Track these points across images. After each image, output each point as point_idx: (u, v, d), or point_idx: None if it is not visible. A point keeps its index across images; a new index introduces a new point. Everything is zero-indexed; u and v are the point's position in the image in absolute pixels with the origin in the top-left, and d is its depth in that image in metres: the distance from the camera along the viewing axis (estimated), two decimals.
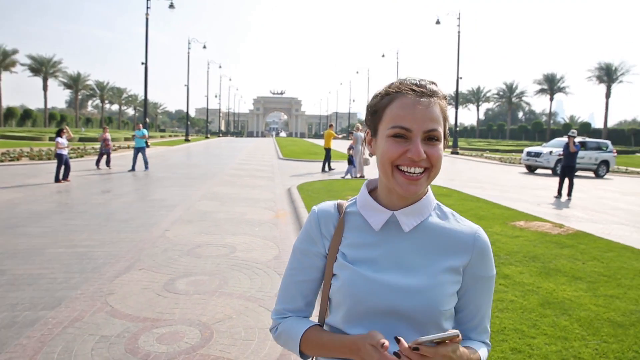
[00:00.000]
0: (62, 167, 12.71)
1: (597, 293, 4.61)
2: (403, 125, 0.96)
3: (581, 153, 20.90)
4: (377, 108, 1.02)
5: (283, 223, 7.97)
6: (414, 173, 0.96)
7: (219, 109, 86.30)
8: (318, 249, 1.09)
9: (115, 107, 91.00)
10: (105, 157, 16.64)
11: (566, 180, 12.62)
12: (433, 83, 1.02)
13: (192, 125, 72.48)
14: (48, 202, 9.54)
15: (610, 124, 57.84)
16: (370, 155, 1.07)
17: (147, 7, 32.09)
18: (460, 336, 0.87)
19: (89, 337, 3.47)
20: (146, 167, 16.59)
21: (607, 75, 56.42)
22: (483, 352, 1.07)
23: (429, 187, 1.06)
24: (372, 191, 1.11)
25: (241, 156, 26.33)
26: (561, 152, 13.52)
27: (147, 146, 16.89)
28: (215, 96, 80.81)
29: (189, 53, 48.44)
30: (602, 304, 4.31)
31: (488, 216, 8.55)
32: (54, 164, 14.14)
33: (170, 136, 57.93)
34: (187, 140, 45.49)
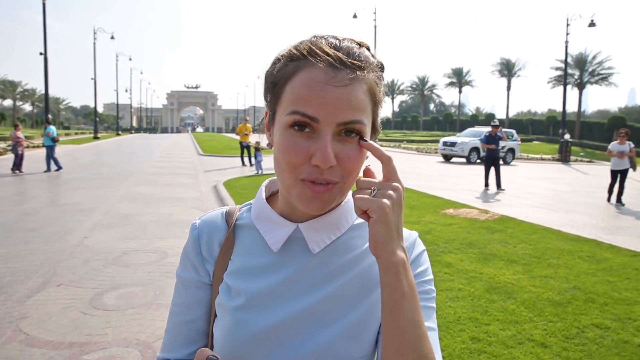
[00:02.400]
0: None
1: (533, 274, 4.83)
2: (306, 113, 0.64)
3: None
4: (277, 80, 0.68)
5: None
6: (320, 184, 0.66)
7: (130, 104, 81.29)
8: (200, 276, 0.78)
9: (8, 102, 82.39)
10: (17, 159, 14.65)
11: (492, 172, 12.09)
12: (362, 46, 0.69)
13: (100, 122, 67.40)
14: None
15: (510, 115, 62.79)
16: (269, 146, 0.75)
17: None
18: None
19: None
20: (48, 169, 15.01)
21: (507, 69, 61.17)
22: None
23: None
24: (272, 196, 0.82)
25: (158, 153, 24.94)
26: (485, 143, 12.24)
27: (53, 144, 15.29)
28: (126, 90, 76.03)
29: (94, 44, 44.94)
30: (540, 285, 4.51)
31: (419, 205, 8.75)
32: None
33: (76, 134, 53.49)
34: (96, 137, 42.24)
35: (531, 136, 47.28)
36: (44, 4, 29.29)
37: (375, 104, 0.70)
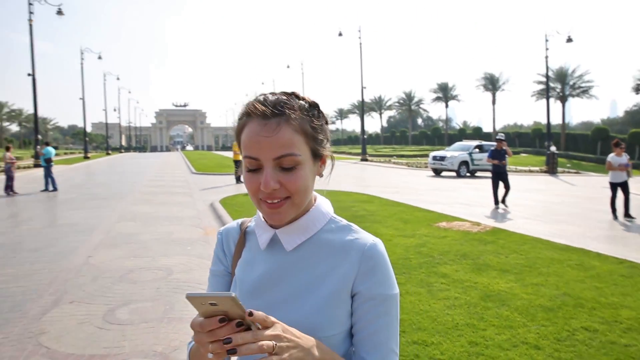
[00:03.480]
0: None
1: (525, 283, 5.08)
2: (251, 155, 0.88)
3: (479, 155, 22.86)
4: (237, 131, 0.95)
5: (214, 240, 7.71)
6: (273, 202, 0.90)
7: (119, 124, 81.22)
8: (225, 267, 1.06)
9: None
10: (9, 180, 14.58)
11: (501, 187, 11.66)
12: (289, 95, 0.92)
13: (89, 142, 67.14)
14: None
15: (497, 128, 63.86)
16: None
17: (30, 13, 28.87)
18: (235, 297, 0.71)
19: None
20: (46, 189, 15.18)
21: (492, 84, 62.50)
22: None
23: (318, 199, 1.01)
24: None
25: (151, 172, 25.01)
26: (491, 158, 11.93)
27: (47, 165, 15.45)
28: (114, 110, 76.02)
29: (82, 64, 45.11)
30: (532, 292, 4.76)
31: (412, 219, 9.01)
32: None
33: (65, 154, 53.23)
34: (86, 157, 42.20)
35: (518, 149, 48.13)
36: (30, 25, 29.36)
37: (308, 136, 0.90)
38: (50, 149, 15.78)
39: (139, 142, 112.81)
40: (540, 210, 11.23)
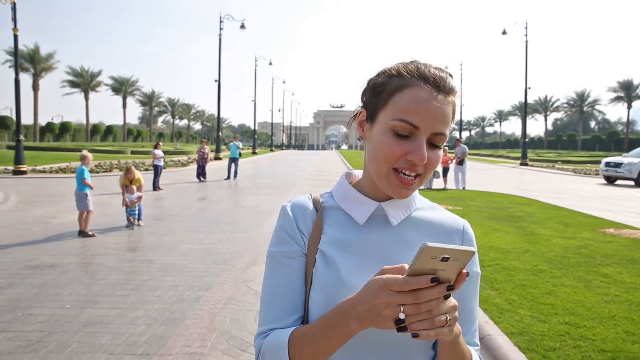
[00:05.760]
0: (159, 177, 14.08)
1: None
2: (411, 122, 0.81)
3: None
4: (383, 89, 0.86)
5: None
6: (409, 176, 0.84)
7: (282, 123, 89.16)
8: (299, 247, 0.91)
9: (183, 122, 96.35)
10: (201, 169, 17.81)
11: None
12: (450, 75, 0.88)
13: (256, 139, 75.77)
14: (156, 208, 10.73)
15: None
16: (359, 139, 0.93)
17: (220, 29, 34.24)
18: (475, 252, 0.69)
19: (248, 312, 4.21)
20: (235, 176, 18.26)
21: None
22: (475, 355, 0.91)
23: None
24: (351, 183, 0.99)
25: (311, 168, 27.29)
26: None
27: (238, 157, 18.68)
28: (279, 110, 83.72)
29: (255, 70, 50.63)
30: None
31: (574, 223, 8.65)
32: (144, 174, 15.53)
33: None
34: (254, 153, 47.62)
35: None
36: (220, 39, 34.37)
37: (453, 119, 0.88)
38: (239, 143, 19.02)
39: (297, 140, 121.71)
40: None
